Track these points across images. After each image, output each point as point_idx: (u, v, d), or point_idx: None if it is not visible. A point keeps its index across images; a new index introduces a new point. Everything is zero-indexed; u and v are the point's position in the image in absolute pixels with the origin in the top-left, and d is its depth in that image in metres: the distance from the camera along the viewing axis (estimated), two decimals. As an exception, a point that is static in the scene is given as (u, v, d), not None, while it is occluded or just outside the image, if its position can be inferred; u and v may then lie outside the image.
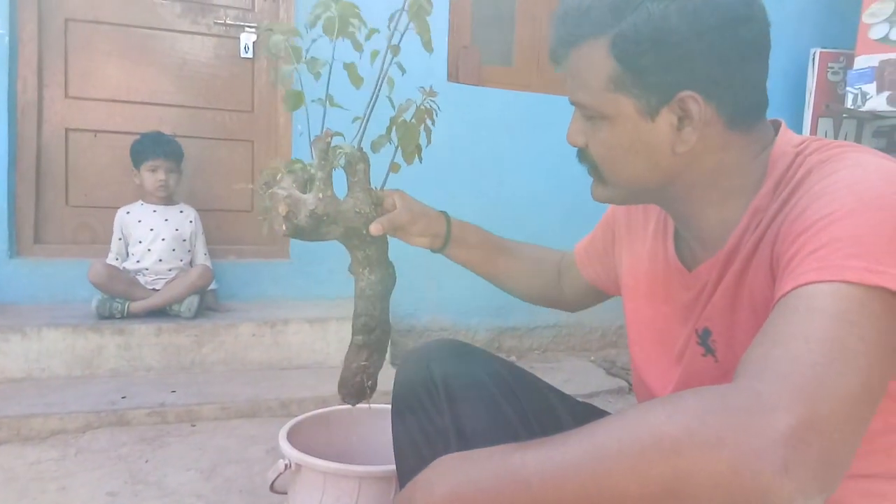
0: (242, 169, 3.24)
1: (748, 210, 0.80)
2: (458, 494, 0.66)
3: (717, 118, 0.79)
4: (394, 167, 1.10)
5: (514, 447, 0.65)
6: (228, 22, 3.12)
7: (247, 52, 3.14)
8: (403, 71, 1.03)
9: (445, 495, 0.66)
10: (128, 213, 2.83)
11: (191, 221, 2.90)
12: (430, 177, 3.26)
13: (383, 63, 1.04)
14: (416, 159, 1.12)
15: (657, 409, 0.60)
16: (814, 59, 3.50)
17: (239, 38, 3.14)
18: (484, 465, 0.66)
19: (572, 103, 0.87)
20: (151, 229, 2.80)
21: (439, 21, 3.24)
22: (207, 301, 2.85)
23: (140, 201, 2.87)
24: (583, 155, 0.90)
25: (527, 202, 3.37)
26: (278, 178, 1.04)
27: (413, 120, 1.09)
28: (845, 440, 0.57)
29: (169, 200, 2.88)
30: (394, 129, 1.09)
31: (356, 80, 1.04)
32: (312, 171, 1.03)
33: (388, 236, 1.06)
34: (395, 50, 1.06)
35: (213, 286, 2.90)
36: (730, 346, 0.82)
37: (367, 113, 1.03)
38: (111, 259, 2.80)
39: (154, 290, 2.76)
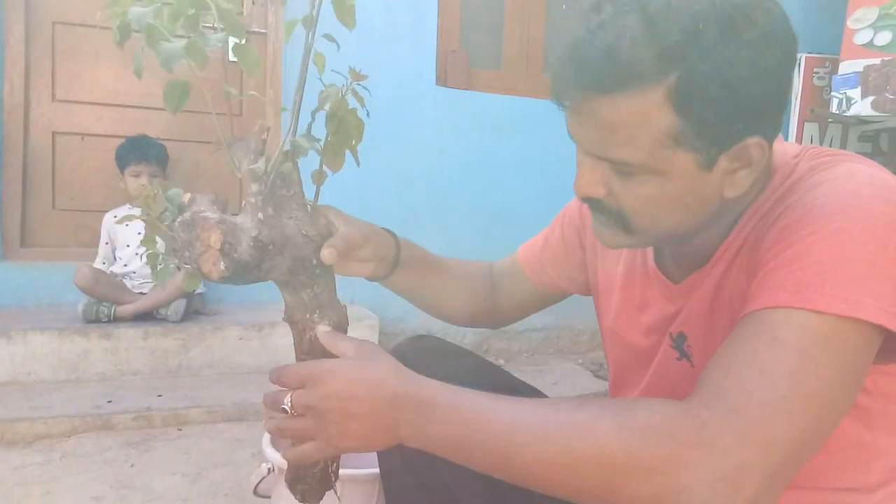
0: (230, 172, 3.22)
1: (739, 222, 0.79)
2: (413, 396, 0.69)
3: (760, 169, 0.73)
4: (317, 177, 0.83)
5: (478, 395, 0.69)
6: (216, 25, 3.11)
7: (235, 56, 3.14)
8: (338, 45, 0.74)
9: (397, 387, 0.70)
10: (115, 216, 2.82)
11: (178, 224, 2.89)
12: (416, 180, 3.29)
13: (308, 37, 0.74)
14: (346, 163, 0.84)
15: (608, 419, 0.61)
16: (799, 63, 3.53)
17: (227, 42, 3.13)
18: (447, 395, 0.69)
19: (598, 157, 0.72)
20: (139, 233, 2.79)
21: (428, 25, 3.26)
22: (195, 305, 2.84)
23: (127, 205, 2.86)
24: (598, 204, 0.76)
25: (515, 206, 3.37)
26: (185, 198, 0.78)
27: (340, 112, 0.80)
28: (774, 486, 0.59)
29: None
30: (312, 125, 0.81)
31: (199, 57, 0.71)
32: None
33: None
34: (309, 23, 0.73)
35: (200, 289, 2.89)
36: (706, 352, 0.81)
37: (297, 101, 0.77)
38: (98, 263, 2.80)
39: (141, 293, 2.75)
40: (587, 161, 0.74)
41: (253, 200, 0.75)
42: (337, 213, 0.87)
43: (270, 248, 0.74)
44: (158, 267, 0.83)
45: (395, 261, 0.99)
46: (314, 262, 0.80)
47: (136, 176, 2.79)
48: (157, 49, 0.68)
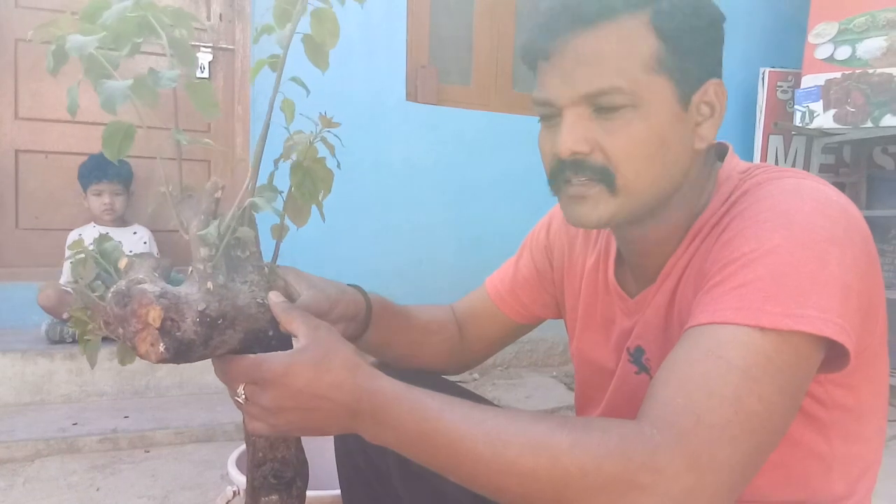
0: (198, 189, 3.20)
1: (689, 234, 0.80)
2: (372, 403, 0.66)
3: (721, 120, 0.78)
4: (277, 232, 0.76)
5: (438, 397, 0.67)
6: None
7: (202, 72, 3.12)
8: (307, 91, 0.72)
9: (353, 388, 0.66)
10: (79, 235, 2.78)
11: (144, 243, 2.86)
12: (385, 196, 3.28)
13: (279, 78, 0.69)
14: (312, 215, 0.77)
15: (564, 434, 0.61)
16: (763, 77, 3.59)
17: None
18: (406, 395, 0.67)
19: (578, 98, 0.73)
20: (105, 251, 2.75)
21: (397, 40, 3.26)
22: (163, 324, 2.80)
23: (92, 223, 2.82)
24: (578, 165, 0.75)
25: (486, 219, 3.38)
26: (122, 264, 0.69)
27: (306, 162, 0.73)
28: (723, 500, 0.60)
29: (121, 222, 2.84)
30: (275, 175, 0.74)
31: (148, 97, 0.64)
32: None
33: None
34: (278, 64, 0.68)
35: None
36: None
37: (258, 153, 0.70)
38: (62, 282, 2.74)
39: (107, 313, 2.70)
40: (568, 117, 0.74)
41: (201, 267, 0.66)
42: (297, 274, 0.83)
43: (220, 322, 0.66)
44: (86, 339, 0.74)
45: (366, 319, 0.95)
46: (270, 332, 0.71)
47: (98, 195, 2.76)
48: (98, 87, 0.62)
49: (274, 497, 0.75)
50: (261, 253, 0.73)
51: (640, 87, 0.72)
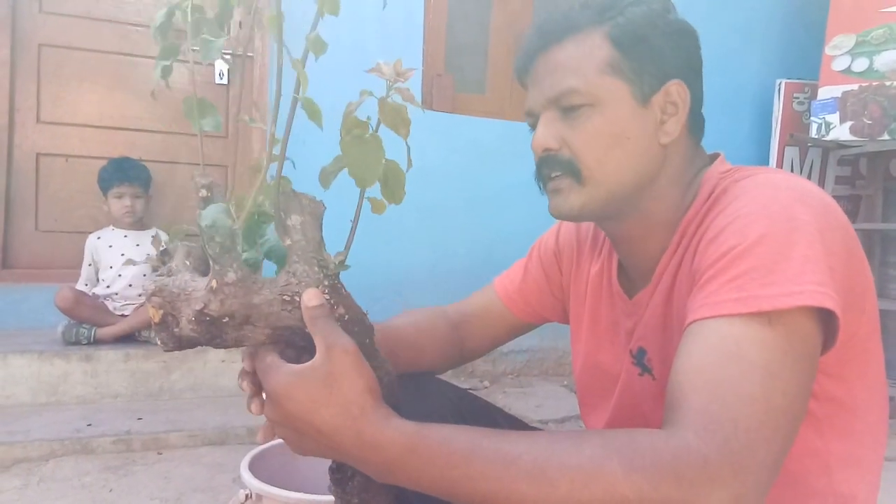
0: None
1: (677, 232, 0.84)
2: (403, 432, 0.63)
3: (686, 117, 0.85)
4: (375, 206, 0.72)
5: (459, 437, 0.63)
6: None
7: (221, 79, 3.16)
8: (322, 48, 0.62)
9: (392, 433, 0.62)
10: (98, 238, 2.82)
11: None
12: (402, 202, 3.29)
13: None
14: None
15: (614, 460, 0.59)
16: (779, 89, 3.58)
17: (214, 65, 3.16)
18: (423, 443, 0.63)
19: (549, 100, 0.84)
20: (122, 254, 2.78)
21: (413, 49, 3.28)
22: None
23: (111, 226, 2.86)
24: (551, 161, 0.85)
25: (497, 227, 3.39)
26: (154, 249, 0.69)
27: (369, 132, 0.66)
28: (761, 499, 0.61)
29: (140, 225, 2.87)
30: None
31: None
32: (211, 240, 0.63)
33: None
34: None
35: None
36: (666, 364, 0.83)
37: (286, 123, 0.64)
38: (80, 284, 2.78)
39: (123, 316, 2.74)
40: (541, 120, 0.86)
41: (211, 264, 0.62)
42: None
43: (226, 321, 0.62)
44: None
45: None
46: (307, 330, 0.65)
47: (119, 197, 2.79)
48: (202, 45, 0.63)
49: (335, 489, 0.74)
50: (318, 240, 0.67)
51: (596, 87, 0.82)
